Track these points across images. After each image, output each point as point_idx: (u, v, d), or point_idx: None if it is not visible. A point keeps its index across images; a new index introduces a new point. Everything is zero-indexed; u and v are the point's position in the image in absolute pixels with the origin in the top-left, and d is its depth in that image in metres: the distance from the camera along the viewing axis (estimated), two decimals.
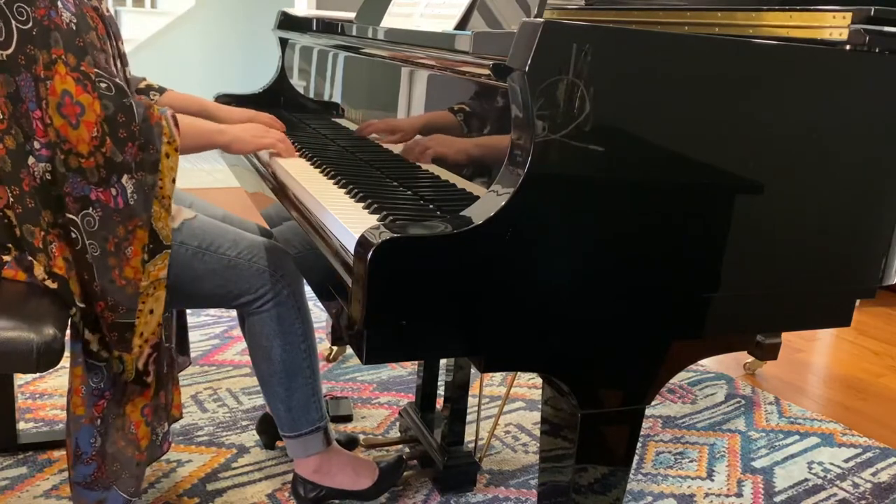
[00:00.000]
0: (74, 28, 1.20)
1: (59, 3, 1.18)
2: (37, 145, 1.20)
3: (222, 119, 1.69)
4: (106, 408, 1.34)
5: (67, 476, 1.36)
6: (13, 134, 1.20)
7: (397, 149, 1.41)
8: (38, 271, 1.24)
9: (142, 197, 1.25)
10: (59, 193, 1.22)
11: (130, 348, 1.30)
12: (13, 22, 1.17)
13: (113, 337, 1.29)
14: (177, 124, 1.28)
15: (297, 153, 1.56)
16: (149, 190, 1.25)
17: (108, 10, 1.35)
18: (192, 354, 2.31)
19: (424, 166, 1.28)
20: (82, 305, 1.26)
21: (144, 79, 1.66)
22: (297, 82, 2.05)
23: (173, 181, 1.28)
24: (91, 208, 1.22)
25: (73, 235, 1.23)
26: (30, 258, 1.25)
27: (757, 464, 1.97)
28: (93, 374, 1.32)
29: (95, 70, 1.20)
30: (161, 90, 1.65)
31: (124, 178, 1.23)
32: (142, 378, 1.35)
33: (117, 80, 1.22)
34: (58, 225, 1.23)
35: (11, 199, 1.23)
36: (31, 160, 1.20)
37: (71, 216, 1.22)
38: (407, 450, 1.78)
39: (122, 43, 1.41)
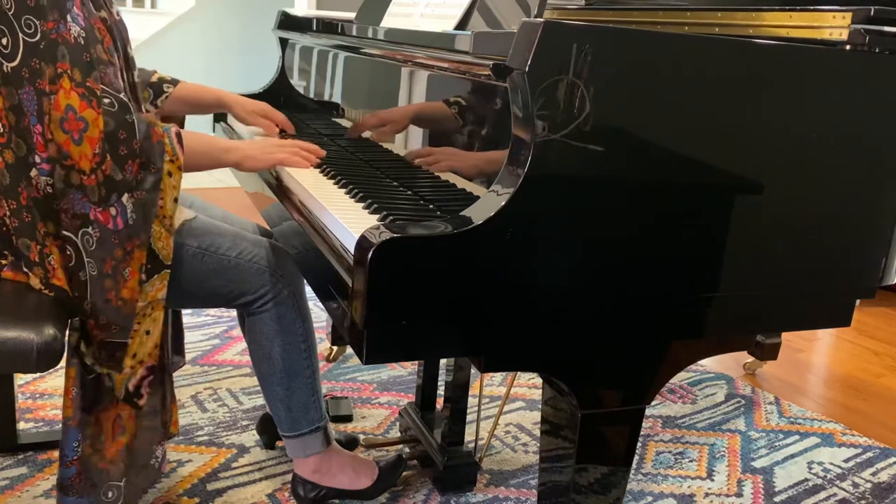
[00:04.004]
0: (83, 43, 1.17)
1: (69, 17, 1.16)
2: (37, 159, 1.18)
3: (237, 112, 1.69)
4: (94, 414, 1.31)
5: None
6: (13, 147, 1.19)
7: (398, 149, 1.42)
8: (34, 282, 1.23)
9: (141, 216, 1.22)
10: (58, 208, 1.19)
11: (121, 368, 1.27)
12: (20, 34, 1.15)
13: (102, 356, 1.26)
14: (180, 142, 1.25)
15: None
16: (148, 209, 1.22)
17: (117, 16, 1.33)
18: (193, 354, 2.32)
19: (424, 166, 1.28)
20: (76, 319, 1.24)
21: (155, 72, 1.65)
22: (297, 82, 2.05)
23: (175, 200, 1.25)
24: (91, 227, 1.20)
25: (69, 252, 1.21)
26: (25, 270, 1.24)
27: (757, 464, 1.97)
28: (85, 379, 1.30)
29: (101, 86, 1.17)
30: (174, 82, 1.64)
31: (124, 198, 1.20)
32: (132, 400, 1.32)
33: (121, 95, 1.20)
34: (59, 237, 1.21)
35: (9, 213, 1.22)
36: (33, 172, 1.18)
37: (68, 234, 1.20)
38: (407, 450, 1.78)
39: (131, 47, 1.38)
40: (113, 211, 1.20)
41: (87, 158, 1.16)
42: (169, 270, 1.28)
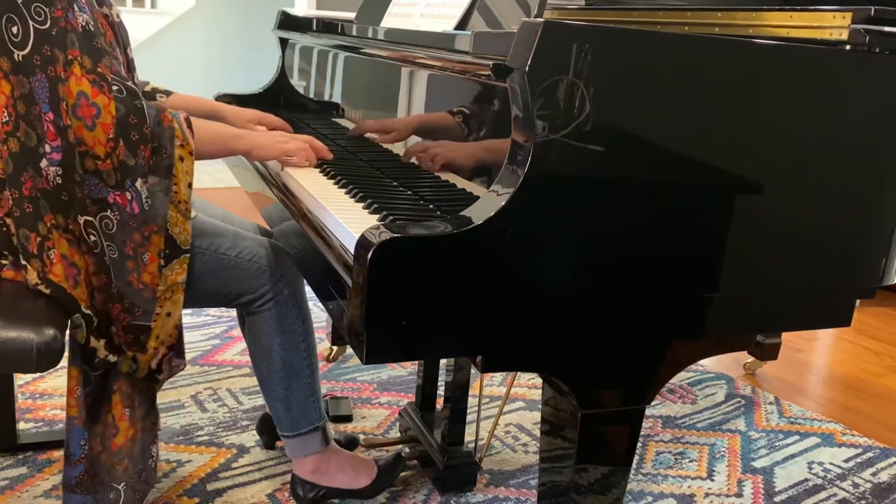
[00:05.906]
0: (91, 30, 1.19)
1: (76, 6, 1.18)
2: (48, 148, 1.18)
3: (232, 121, 1.69)
4: (100, 413, 1.32)
5: None
6: (19, 136, 1.19)
7: (397, 149, 1.42)
8: (31, 276, 1.23)
9: (157, 202, 1.24)
10: (70, 197, 1.20)
11: (145, 350, 1.31)
12: (30, 22, 1.15)
13: (127, 339, 1.29)
14: (190, 127, 1.26)
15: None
16: (163, 195, 1.24)
17: (117, 17, 1.34)
18: (193, 354, 2.32)
19: (424, 163, 1.28)
20: (88, 312, 1.24)
21: (148, 83, 1.65)
22: (297, 82, 2.05)
23: (189, 185, 1.27)
24: (109, 210, 1.22)
25: (93, 238, 1.23)
26: (23, 262, 1.24)
27: (757, 464, 1.97)
28: (89, 378, 1.31)
29: (110, 73, 1.19)
30: (167, 93, 1.65)
31: (138, 183, 1.22)
32: (154, 375, 1.35)
33: (129, 83, 1.21)
34: (67, 230, 1.22)
35: (11, 202, 1.22)
36: (43, 163, 1.19)
37: (89, 218, 1.22)
38: (407, 450, 1.78)
39: (131, 49, 1.39)
40: (129, 195, 1.22)
41: (101, 144, 1.18)
42: (188, 255, 1.30)
